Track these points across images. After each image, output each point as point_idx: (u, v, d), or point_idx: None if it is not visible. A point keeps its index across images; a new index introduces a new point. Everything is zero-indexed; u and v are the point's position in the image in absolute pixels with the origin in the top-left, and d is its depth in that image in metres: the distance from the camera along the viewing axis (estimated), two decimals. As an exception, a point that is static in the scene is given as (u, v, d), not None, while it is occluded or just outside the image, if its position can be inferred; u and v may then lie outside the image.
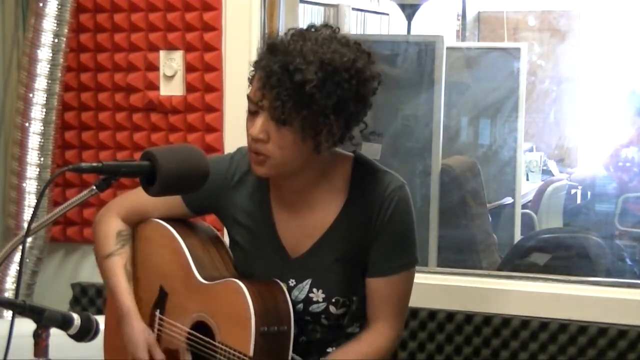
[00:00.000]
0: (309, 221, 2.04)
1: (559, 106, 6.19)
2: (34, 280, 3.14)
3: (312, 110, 1.85)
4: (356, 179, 2.03)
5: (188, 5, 3.07)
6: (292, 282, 2.04)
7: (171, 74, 3.12)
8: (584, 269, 3.53)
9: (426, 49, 3.83)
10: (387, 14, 5.42)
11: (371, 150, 3.71)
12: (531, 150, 6.13)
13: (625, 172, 5.01)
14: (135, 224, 2.21)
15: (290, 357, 1.95)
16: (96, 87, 3.24)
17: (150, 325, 2.17)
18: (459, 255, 4.01)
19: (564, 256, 3.61)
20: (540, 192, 5.60)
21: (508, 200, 4.67)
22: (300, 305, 2.03)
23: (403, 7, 4.54)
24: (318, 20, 4.67)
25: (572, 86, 6.13)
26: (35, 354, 1.58)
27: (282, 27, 3.04)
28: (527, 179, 5.89)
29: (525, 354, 2.79)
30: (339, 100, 1.87)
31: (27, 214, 3.06)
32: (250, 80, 1.95)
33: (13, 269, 3.09)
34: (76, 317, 1.64)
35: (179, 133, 3.14)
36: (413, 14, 4.47)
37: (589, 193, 5.56)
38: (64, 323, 1.62)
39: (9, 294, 3.06)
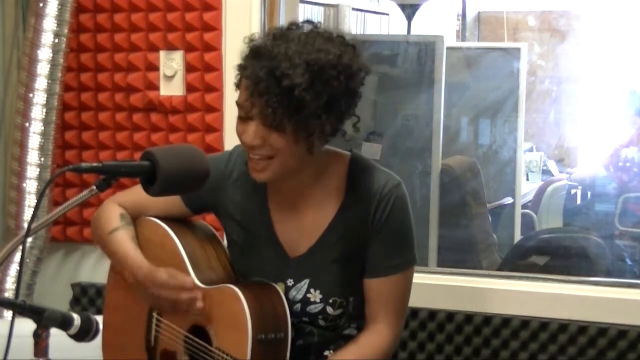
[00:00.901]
0: (306, 221, 2.04)
1: (559, 106, 6.19)
2: (34, 280, 3.14)
3: (304, 113, 1.83)
4: (352, 178, 2.02)
5: (188, 5, 3.07)
6: (290, 282, 2.04)
7: (171, 74, 3.12)
8: (583, 269, 3.53)
9: (426, 49, 3.84)
10: (387, 14, 5.43)
11: (371, 150, 3.71)
12: (531, 150, 6.13)
13: (625, 172, 5.01)
14: (134, 218, 2.19)
15: None
16: (96, 87, 3.24)
17: (148, 326, 2.16)
18: (459, 255, 4.01)
19: (563, 256, 3.61)
20: (540, 192, 5.60)
21: (508, 200, 4.67)
22: (298, 306, 2.03)
23: (403, 7, 4.54)
24: (318, 21, 4.67)
25: (572, 86, 6.13)
26: (35, 354, 1.58)
27: (282, 27, 3.04)
28: (527, 179, 5.89)
29: (525, 354, 2.79)
30: (329, 98, 1.85)
31: (27, 214, 3.06)
32: (237, 85, 1.93)
33: (13, 269, 3.09)
34: (76, 317, 1.64)
35: (179, 133, 3.14)
36: (413, 14, 4.47)
37: (589, 193, 5.56)
38: (64, 323, 1.62)
39: (9, 294, 3.06)
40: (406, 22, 4.51)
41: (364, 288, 2.05)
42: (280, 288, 2.02)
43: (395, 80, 3.89)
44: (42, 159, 3.07)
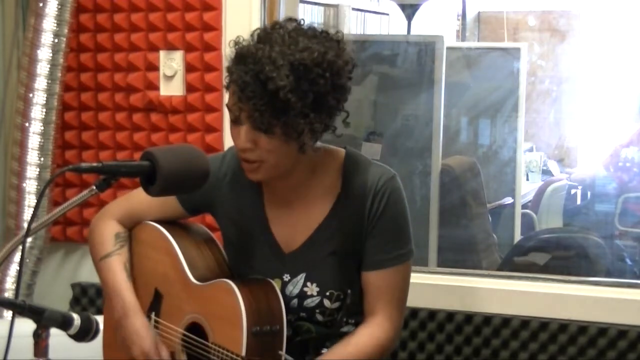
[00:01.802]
0: (302, 216, 2.05)
1: (559, 106, 6.19)
2: (34, 280, 3.14)
3: (291, 114, 1.84)
4: (347, 173, 2.03)
5: (188, 5, 3.07)
6: (286, 277, 2.05)
7: (171, 74, 3.12)
8: (584, 269, 3.53)
9: (426, 49, 3.84)
10: (387, 14, 5.43)
11: (371, 150, 3.71)
12: (531, 150, 6.13)
13: (625, 172, 5.01)
14: (131, 227, 2.21)
15: (283, 358, 1.95)
16: (96, 87, 3.24)
17: None
18: (459, 255, 4.01)
19: (563, 256, 3.61)
20: (540, 192, 5.60)
21: (508, 200, 4.67)
22: (295, 301, 2.04)
23: (403, 7, 4.55)
24: (318, 21, 4.68)
25: (572, 86, 6.13)
26: (35, 354, 1.58)
27: (282, 27, 3.04)
28: (527, 179, 5.89)
29: (525, 354, 2.79)
30: (316, 97, 1.86)
31: (27, 214, 3.06)
32: (227, 87, 1.94)
33: (13, 269, 3.09)
34: (76, 317, 1.64)
35: (179, 133, 3.14)
36: (413, 14, 4.47)
37: (589, 193, 5.56)
38: (64, 323, 1.62)
39: (9, 294, 3.06)
40: (406, 22, 4.51)
41: (362, 281, 2.05)
42: (277, 284, 2.03)
43: (395, 80, 3.89)
44: (42, 159, 3.07)
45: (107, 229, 2.19)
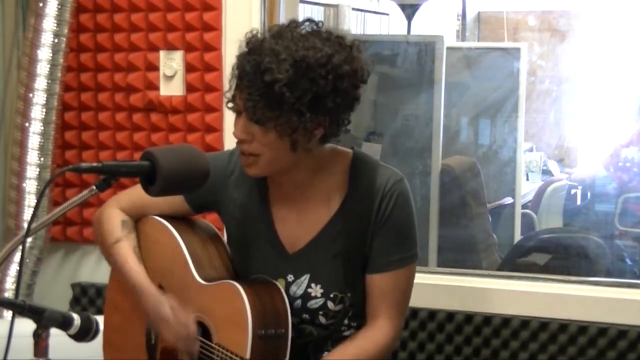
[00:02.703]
0: (307, 216, 2.04)
1: (559, 106, 6.19)
2: (34, 280, 3.14)
3: (284, 109, 1.85)
4: (355, 174, 2.03)
5: (188, 5, 3.07)
6: (290, 278, 2.04)
7: (171, 74, 3.12)
8: (584, 269, 3.53)
9: (426, 49, 3.84)
10: (387, 14, 5.43)
11: (371, 150, 3.71)
12: (531, 150, 6.12)
13: (625, 172, 5.01)
14: (136, 218, 2.21)
15: None
16: (96, 87, 3.24)
17: (148, 325, 2.16)
18: (459, 255, 4.01)
19: (564, 256, 3.61)
20: (540, 192, 5.60)
21: (508, 200, 4.67)
22: (299, 301, 2.03)
23: (403, 7, 4.55)
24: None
25: (572, 86, 6.13)
26: (35, 354, 1.58)
27: (282, 27, 3.04)
28: (527, 179, 5.89)
29: (525, 354, 2.79)
30: (314, 97, 1.86)
31: (27, 214, 3.06)
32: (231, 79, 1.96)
33: (13, 269, 3.09)
34: (76, 317, 1.64)
35: (179, 133, 3.14)
36: (413, 14, 4.48)
37: (589, 193, 5.55)
38: (64, 323, 1.62)
39: (9, 294, 3.06)
40: (406, 22, 4.51)
41: (366, 283, 2.05)
42: (280, 284, 2.03)
43: (395, 80, 3.89)
44: (42, 159, 3.07)
45: (114, 216, 2.18)
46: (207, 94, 3.08)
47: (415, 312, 2.87)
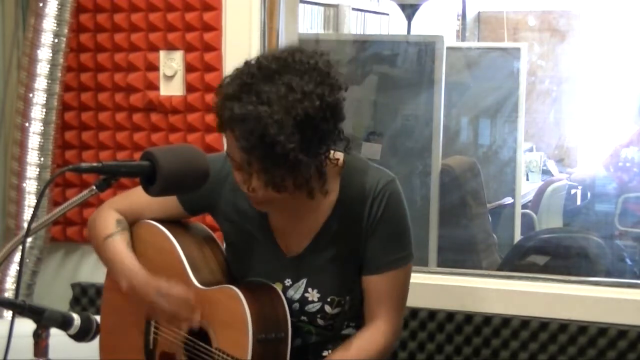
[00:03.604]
0: (302, 220, 2.04)
1: (559, 106, 6.19)
2: (34, 280, 3.14)
3: (301, 167, 1.84)
4: (347, 176, 2.02)
5: (188, 5, 3.07)
6: (288, 282, 2.04)
7: (171, 74, 3.12)
8: (584, 269, 3.53)
9: (426, 49, 3.84)
10: (387, 14, 5.43)
11: (371, 150, 3.72)
12: (531, 150, 6.13)
13: (625, 172, 5.01)
14: (131, 221, 2.19)
15: None
16: (96, 87, 3.24)
17: (146, 328, 2.16)
18: (459, 255, 4.01)
19: (563, 256, 3.61)
20: (540, 192, 5.60)
21: (508, 200, 4.67)
22: (296, 305, 2.03)
23: (403, 7, 4.55)
24: (318, 21, 4.67)
25: (572, 86, 6.13)
26: (35, 354, 1.58)
27: (282, 27, 3.04)
28: (527, 179, 5.89)
29: (525, 354, 2.78)
30: (320, 139, 1.85)
31: (27, 214, 3.06)
32: (219, 129, 1.88)
33: (13, 269, 3.09)
34: (76, 317, 1.64)
35: (179, 133, 3.14)
36: (413, 14, 4.48)
37: (588, 193, 5.55)
38: (64, 323, 1.62)
39: (9, 294, 3.06)
40: (406, 22, 4.51)
41: (363, 285, 2.05)
42: (278, 288, 2.03)
43: (395, 80, 3.89)
44: (42, 159, 3.07)
45: (108, 216, 2.17)
46: (207, 94, 3.08)
47: (415, 312, 2.87)
